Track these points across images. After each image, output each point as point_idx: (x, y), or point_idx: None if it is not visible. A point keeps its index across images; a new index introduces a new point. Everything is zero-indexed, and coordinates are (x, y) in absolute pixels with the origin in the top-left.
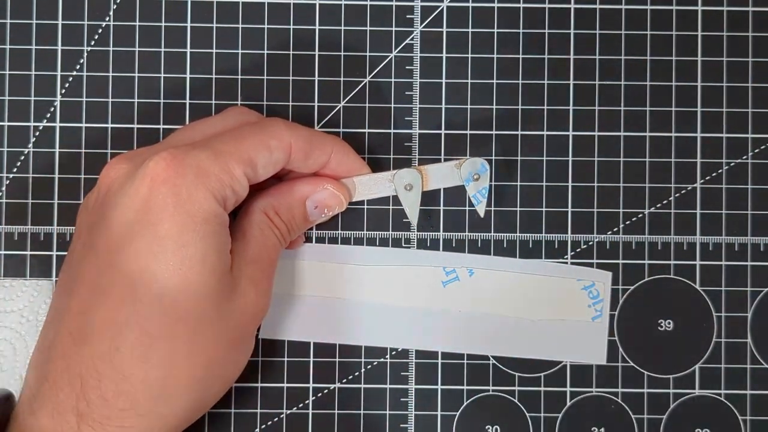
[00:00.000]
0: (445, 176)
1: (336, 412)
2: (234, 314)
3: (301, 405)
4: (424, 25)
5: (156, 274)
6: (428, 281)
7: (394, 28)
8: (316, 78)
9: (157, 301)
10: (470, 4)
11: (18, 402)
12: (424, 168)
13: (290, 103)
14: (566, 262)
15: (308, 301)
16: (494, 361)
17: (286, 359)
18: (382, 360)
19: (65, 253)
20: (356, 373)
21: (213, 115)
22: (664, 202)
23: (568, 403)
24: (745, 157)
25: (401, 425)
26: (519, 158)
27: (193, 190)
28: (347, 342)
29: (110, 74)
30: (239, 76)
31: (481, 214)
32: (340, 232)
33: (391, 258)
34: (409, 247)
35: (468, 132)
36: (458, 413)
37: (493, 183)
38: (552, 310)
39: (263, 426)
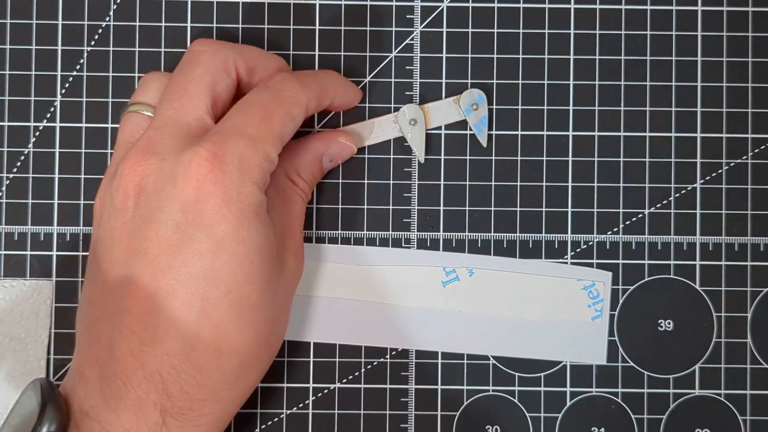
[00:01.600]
0: (446, 112)
1: (336, 412)
2: (282, 288)
3: (301, 405)
4: (424, 25)
5: (219, 272)
6: (428, 281)
7: (394, 28)
8: None
9: (224, 296)
10: (470, 4)
11: (78, 399)
12: (424, 106)
13: None
14: (566, 262)
15: (308, 302)
16: (494, 361)
17: (286, 359)
18: (382, 360)
19: (65, 253)
20: (356, 373)
21: (181, 68)
22: (664, 202)
23: (568, 403)
24: (745, 157)
25: (401, 425)
26: (519, 158)
27: (241, 187)
28: (347, 342)
29: (110, 74)
30: None
31: (483, 144)
32: (340, 232)
33: (391, 258)
34: (409, 247)
35: (468, 132)
36: (458, 413)
37: (493, 183)
38: (552, 310)
39: (263, 426)
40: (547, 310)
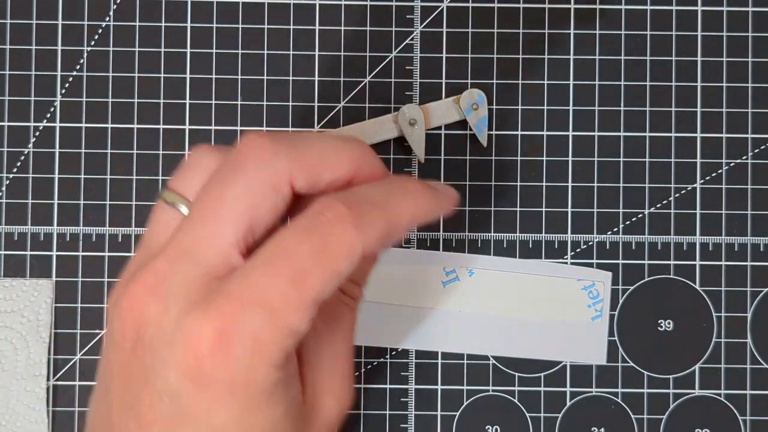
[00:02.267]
0: (446, 112)
1: None
2: None
3: None
4: (424, 25)
5: None
6: (428, 281)
7: (394, 28)
8: (316, 78)
9: None
10: (470, 4)
11: None
12: (424, 106)
13: (290, 103)
14: (566, 262)
15: None
16: (494, 361)
17: None
18: (382, 360)
19: (65, 253)
20: (356, 373)
21: (221, 176)
22: (664, 202)
23: (568, 403)
24: (745, 157)
25: (401, 425)
26: (519, 158)
27: (251, 372)
28: None
29: (110, 74)
30: (239, 76)
31: (484, 144)
32: None
33: (391, 258)
34: (409, 247)
35: (468, 132)
36: (458, 413)
37: (493, 183)
38: (552, 310)
39: None
40: (547, 310)
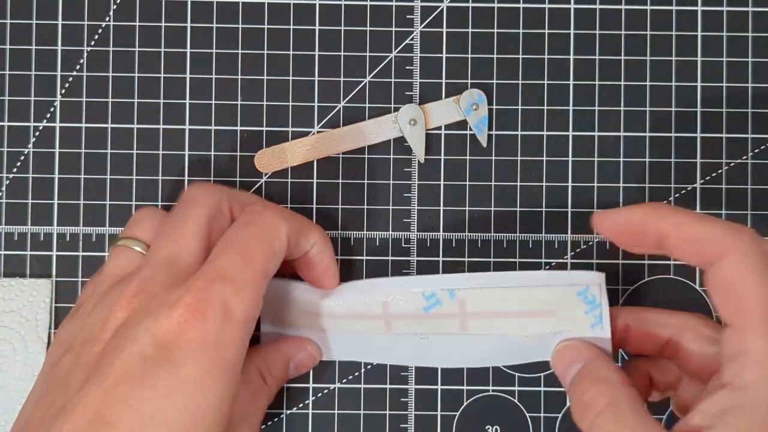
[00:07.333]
0: (446, 112)
1: (336, 412)
2: None
3: (301, 405)
4: (424, 25)
5: (168, 415)
6: (409, 309)
7: (394, 28)
8: (316, 78)
9: None
10: (470, 4)
11: None
12: (424, 106)
13: (290, 103)
14: (566, 262)
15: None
16: None
17: None
18: None
19: (65, 253)
20: (356, 373)
21: (179, 208)
22: (664, 202)
23: (568, 403)
24: (745, 157)
25: (401, 425)
26: (519, 158)
27: (220, 335)
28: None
29: (110, 74)
30: (239, 76)
31: (484, 144)
32: (340, 232)
33: (366, 288)
34: (408, 249)
35: (468, 132)
36: (458, 413)
37: (493, 183)
38: (544, 323)
39: (263, 426)
40: (539, 323)
